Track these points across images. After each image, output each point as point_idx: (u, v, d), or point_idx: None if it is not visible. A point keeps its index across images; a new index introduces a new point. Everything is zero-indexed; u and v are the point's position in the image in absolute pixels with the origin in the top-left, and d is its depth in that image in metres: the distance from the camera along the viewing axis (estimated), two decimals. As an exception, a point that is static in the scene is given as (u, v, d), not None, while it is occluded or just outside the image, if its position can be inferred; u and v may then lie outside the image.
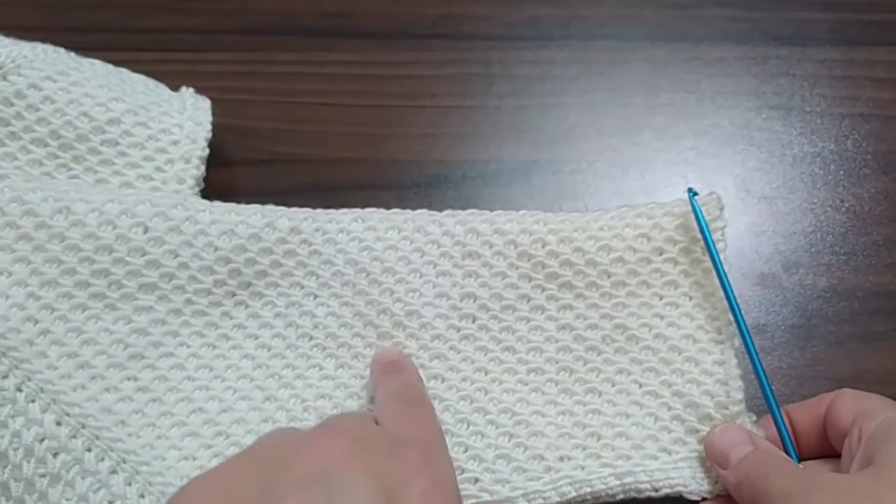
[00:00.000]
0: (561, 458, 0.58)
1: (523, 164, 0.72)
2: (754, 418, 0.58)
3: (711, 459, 0.57)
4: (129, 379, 0.57)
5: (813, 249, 0.69)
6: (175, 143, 0.65)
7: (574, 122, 0.74)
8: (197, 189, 0.65)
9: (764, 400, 0.57)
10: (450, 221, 0.62)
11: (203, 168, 0.66)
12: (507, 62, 0.77)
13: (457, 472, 0.56)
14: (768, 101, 0.76)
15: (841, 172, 0.73)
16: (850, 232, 0.70)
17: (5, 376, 0.53)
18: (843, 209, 0.71)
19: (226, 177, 0.66)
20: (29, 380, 0.54)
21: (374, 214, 0.62)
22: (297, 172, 0.72)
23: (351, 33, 0.78)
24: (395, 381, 0.58)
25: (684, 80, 0.76)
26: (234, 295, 0.60)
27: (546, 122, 0.74)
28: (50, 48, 0.65)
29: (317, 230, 0.61)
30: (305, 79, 0.76)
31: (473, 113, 0.75)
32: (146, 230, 0.58)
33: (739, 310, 0.58)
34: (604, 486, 0.57)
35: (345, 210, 0.62)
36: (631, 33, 0.79)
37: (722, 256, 0.59)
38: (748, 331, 0.58)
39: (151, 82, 0.69)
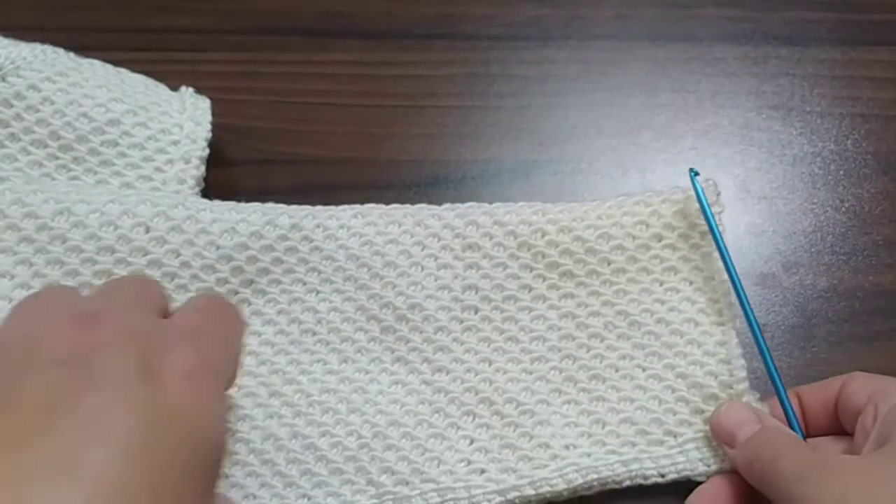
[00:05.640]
0: (567, 447, 0.60)
1: (523, 164, 0.74)
2: (758, 396, 0.60)
3: (718, 439, 0.58)
4: None
5: (813, 249, 0.71)
6: (175, 143, 0.67)
7: (574, 122, 0.76)
8: (197, 189, 0.67)
9: (768, 375, 0.59)
10: (449, 214, 0.64)
11: (203, 168, 0.67)
12: (507, 62, 0.79)
13: (463, 465, 0.59)
14: (768, 101, 0.77)
15: (841, 172, 0.74)
16: (850, 232, 0.72)
17: None
18: (843, 209, 0.73)
19: (226, 177, 0.67)
20: None
21: (373, 210, 0.64)
22: (297, 172, 0.73)
23: (351, 33, 0.80)
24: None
25: (684, 80, 0.78)
26: (236, 293, 0.62)
27: (546, 122, 0.76)
28: (49, 49, 0.66)
29: (317, 226, 0.63)
30: (305, 79, 0.78)
31: (473, 113, 0.76)
32: (147, 230, 0.60)
33: (742, 286, 0.60)
34: (610, 473, 0.59)
35: (345, 206, 0.64)
36: (631, 33, 0.80)
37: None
38: (751, 308, 0.60)
39: (151, 82, 0.70)
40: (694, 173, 0.62)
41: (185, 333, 0.47)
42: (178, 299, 0.60)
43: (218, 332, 0.51)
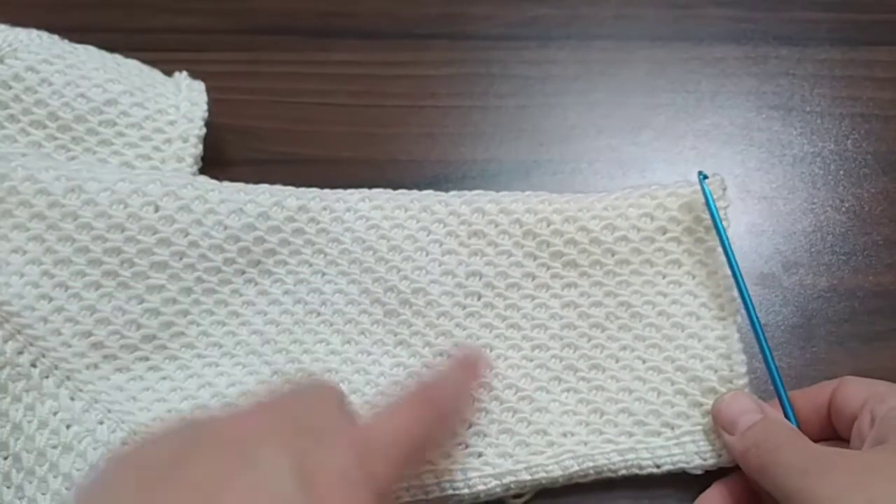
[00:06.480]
0: (564, 434, 0.61)
1: (523, 164, 0.75)
2: (756, 398, 0.60)
3: (718, 425, 0.59)
4: (141, 359, 0.61)
5: (813, 249, 0.72)
6: (172, 122, 0.68)
7: (574, 122, 0.77)
8: (196, 167, 0.69)
9: (768, 374, 0.60)
10: (456, 201, 0.65)
11: (201, 147, 0.69)
12: (507, 62, 0.80)
13: (460, 448, 0.60)
14: (768, 101, 0.78)
15: (841, 172, 0.75)
16: (850, 232, 0.73)
17: (20, 352, 0.57)
18: (843, 209, 0.74)
19: (226, 177, 0.67)
20: (44, 356, 0.58)
21: (381, 194, 0.66)
22: (297, 172, 0.73)
23: (351, 33, 0.81)
24: (436, 379, 0.59)
25: (684, 80, 0.79)
26: (243, 272, 0.63)
27: (546, 122, 0.77)
28: (44, 34, 0.68)
29: (324, 209, 0.64)
30: (305, 79, 0.79)
31: (473, 113, 0.78)
32: (157, 209, 0.61)
33: (746, 287, 0.62)
34: (606, 462, 0.61)
35: (352, 190, 0.65)
36: (631, 33, 0.81)
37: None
38: (754, 308, 0.61)
39: (146, 67, 0.72)
40: (703, 176, 0.64)
41: (358, 439, 0.49)
42: (186, 279, 0.62)
43: (399, 448, 0.51)
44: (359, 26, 0.82)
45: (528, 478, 0.60)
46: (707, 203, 0.63)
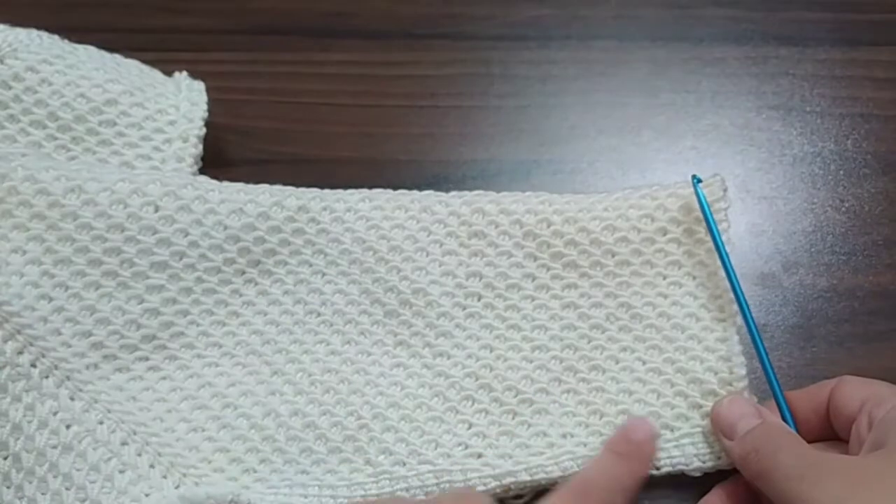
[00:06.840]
0: (564, 436, 0.61)
1: (523, 164, 0.75)
2: (756, 400, 0.61)
3: (717, 430, 0.59)
4: (141, 360, 0.61)
5: (813, 249, 0.72)
6: (172, 122, 0.68)
7: (574, 122, 0.77)
8: (196, 167, 0.69)
9: (765, 377, 0.60)
10: (456, 202, 0.65)
11: (200, 147, 0.69)
12: (507, 62, 0.80)
13: (460, 448, 0.60)
14: (768, 101, 0.78)
15: (841, 172, 0.75)
16: (850, 232, 0.73)
17: (20, 352, 0.57)
18: (843, 209, 0.74)
19: (226, 177, 0.67)
20: (44, 356, 0.58)
21: (381, 195, 0.66)
22: (297, 172, 0.73)
23: (351, 33, 0.82)
24: (599, 469, 0.59)
25: (684, 80, 0.79)
26: (243, 273, 0.64)
27: (546, 122, 0.77)
28: (44, 34, 0.68)
29: (324, 209, 0.64)
30: (305, 79, 0.80)
31: (473, 113, 0.78)
32: (157, 209, 0.61)
33: (743, 293, 0.61)
34: None
35: (352, 190, 0.66)
36: (631, 33, 0.82)
37: (725, 237, 0.62)
38: (751, 313, 0.61)
39: (145, 67, 0.72)
40: (697, 180, 0.64)
41: None
42: (186, 279, 0.62)
43: None
44: (359, 26, 0.82)
45: (528, 479, 0.60)
46: (701, 207, 0.63)
